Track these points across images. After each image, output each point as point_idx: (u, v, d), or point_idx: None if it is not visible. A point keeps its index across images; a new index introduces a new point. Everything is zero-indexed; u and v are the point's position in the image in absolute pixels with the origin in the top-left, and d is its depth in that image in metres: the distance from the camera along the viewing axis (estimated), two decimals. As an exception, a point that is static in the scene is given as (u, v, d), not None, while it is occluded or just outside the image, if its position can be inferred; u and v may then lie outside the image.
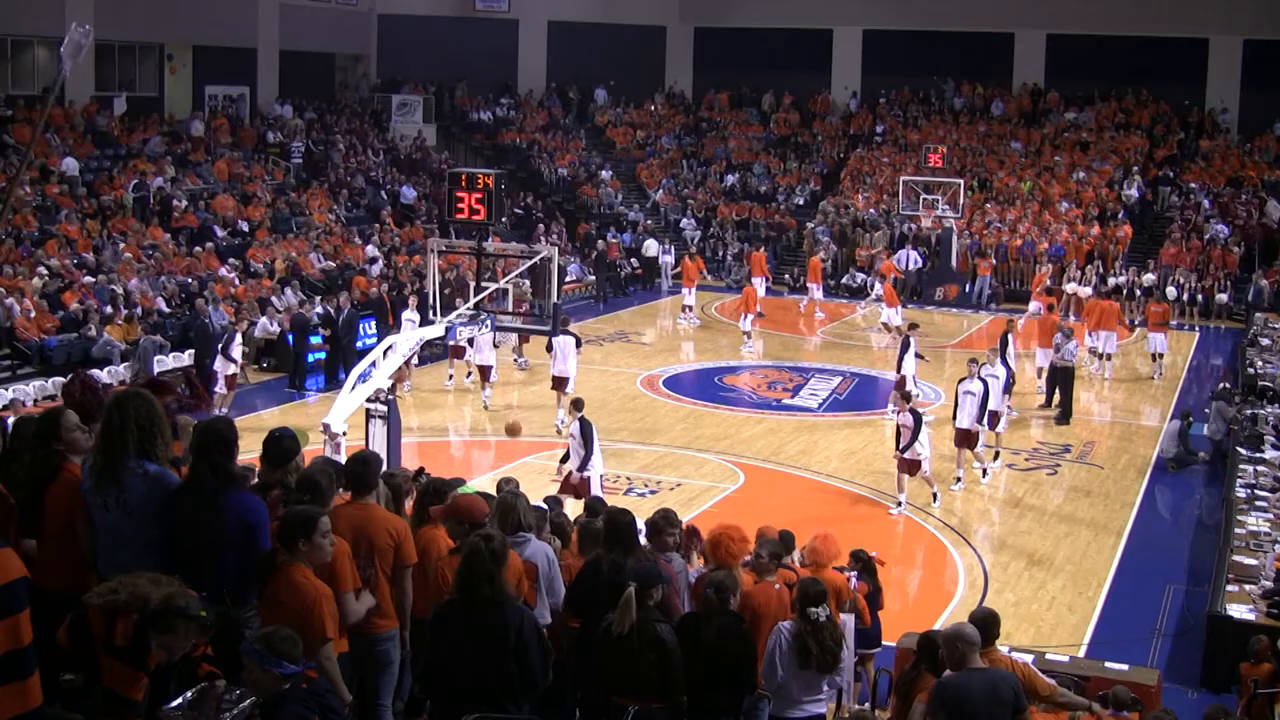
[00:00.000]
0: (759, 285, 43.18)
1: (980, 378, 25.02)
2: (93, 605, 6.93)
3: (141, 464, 7.97)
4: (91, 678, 7.08)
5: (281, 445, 9.49)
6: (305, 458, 10.09)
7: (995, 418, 26.31)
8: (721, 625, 9.64)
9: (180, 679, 6.97)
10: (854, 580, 14.71)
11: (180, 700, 6.86)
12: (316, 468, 9.49)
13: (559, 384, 28.63)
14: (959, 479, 25.03)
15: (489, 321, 22.43)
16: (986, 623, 10.45)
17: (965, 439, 25.13)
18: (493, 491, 13.33)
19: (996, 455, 26.64)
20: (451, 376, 31.95)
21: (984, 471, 25.60)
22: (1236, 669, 15.25)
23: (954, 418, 25.41)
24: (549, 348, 28.78)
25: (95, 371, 27.29)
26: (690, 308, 41.57)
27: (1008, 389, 27.00)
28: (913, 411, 23.25)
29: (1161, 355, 35.41)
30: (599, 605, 9.52)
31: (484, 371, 30.35)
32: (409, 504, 10.75)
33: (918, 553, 21.89)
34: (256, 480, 9.42)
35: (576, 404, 22.51)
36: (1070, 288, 43.97)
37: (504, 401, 30.62)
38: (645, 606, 9.13)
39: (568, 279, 43.42)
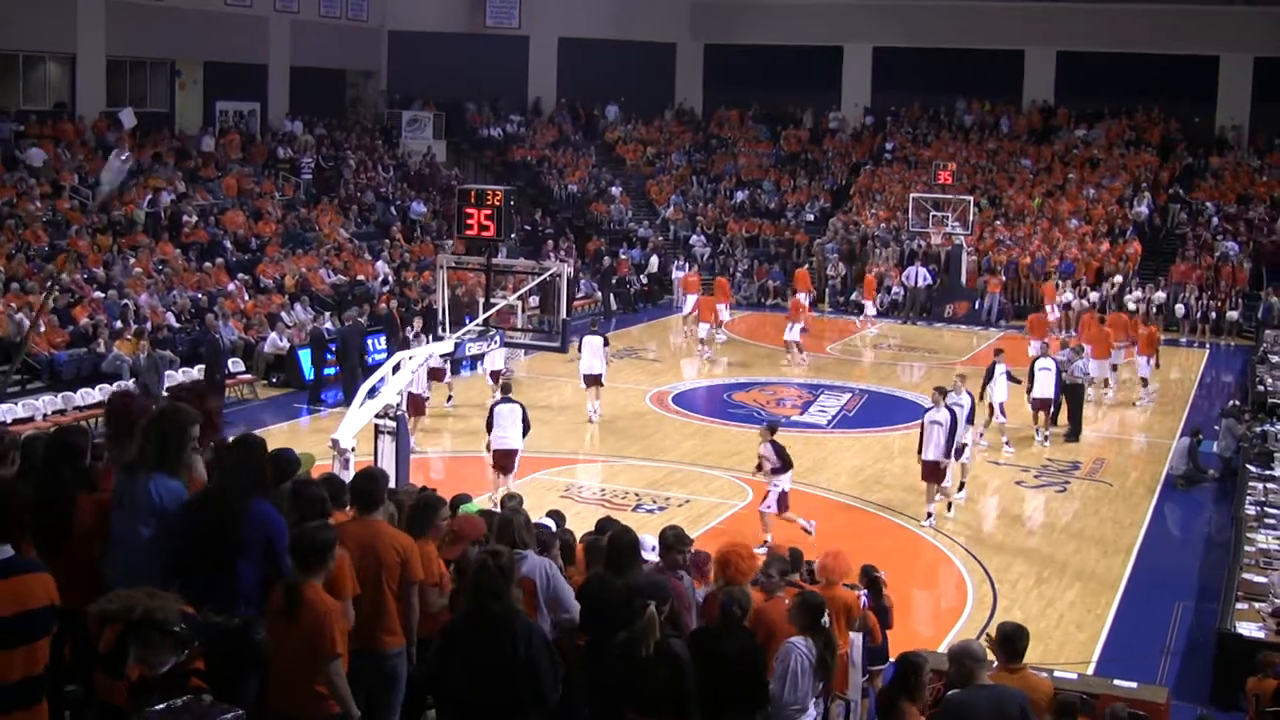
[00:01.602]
0: (804, 299, 43.50)
1: (947, 406, 23.46)
2: (91, 613, 6.96)
3: (157, 476, 7.99)
4: (90, 686, 7.12)
5: (279, 464, 9.48)
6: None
7: (960, 448, 24.43)
8: (742, 642, 9.69)
9: (167, 692, 6.99)
10: (864, 598, 14.73)
11: (164, 706, 6.88)
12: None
13: (592, 381, 30.48)
14: (930, 515, 23.69)
15: (498, 337, 22.45)
16: (1014, 637, 10.30)
17: (932, 472, 23.48)
18: (496, 508, 13.36)
19: (961, 486, 25.12)
20: (451, 398, 31.86)
21: (949, 505, 24.05)
22: (1243, 684, 15.21)
23: (919, 450, 23.63)
24: (578, 347, 29.21)
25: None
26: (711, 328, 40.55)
27: (970, 418, 25.26)
28: (775, 444, 21.91)
29: (1145, 381, 34.34)
30: (600, 621, 9.56)
31: (496, 376, 30.47)
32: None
33: (926, 569, 21.84)
34: None
35: (504, 386, 24.24)
36: (1076, 302, 44.06)
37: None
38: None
39: (578, 295, 43.43)
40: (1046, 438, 29.61)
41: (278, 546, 8.17)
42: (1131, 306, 42.92)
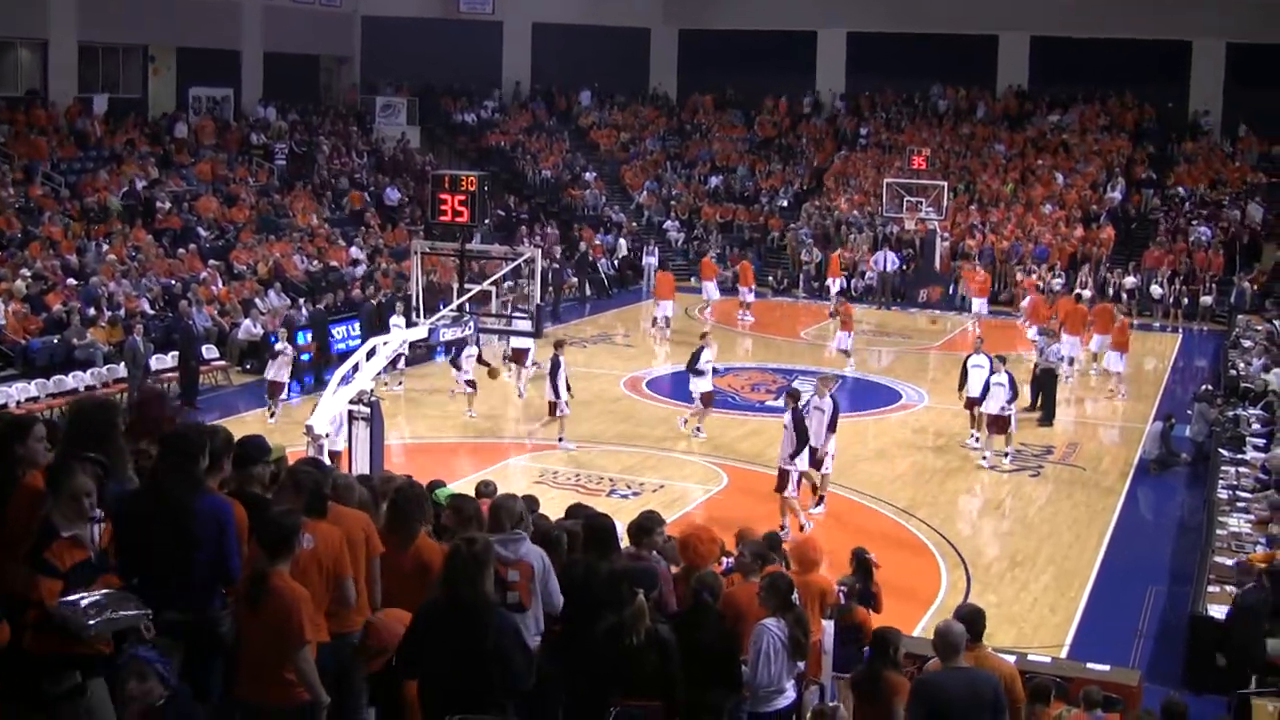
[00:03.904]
0: (833, 285, 43.70)
1: (796, 409, 22.26)
2: None
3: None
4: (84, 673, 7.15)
5: (250, 449, 9.44)
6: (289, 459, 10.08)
7: (820, 459, 23.14)
8: (716, 628, 9.73)
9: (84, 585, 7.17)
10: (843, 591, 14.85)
11: (80, 596, 7.06)
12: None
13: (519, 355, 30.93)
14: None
15: (472, 323, 22.40)
16: (972, 619, 10.46)
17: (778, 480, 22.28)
18: (471, 494, 13.33)
19: (820, 500, 23.61)
20: (401, 382, 31.81)
21: (801, 527, 21.87)
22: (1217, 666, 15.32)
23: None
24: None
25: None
26: (662, 319, 40.63)
27: (833, 425, 23.39)
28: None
29: (1119, 374, 33.38)
30: (583, 605, 9.56)
31: (518, 355, 30.57)
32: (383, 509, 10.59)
33: (899, 554, 21.82)
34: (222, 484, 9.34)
35: None
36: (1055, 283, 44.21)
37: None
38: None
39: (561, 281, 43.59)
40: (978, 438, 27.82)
41: (229, 534, 8.13)
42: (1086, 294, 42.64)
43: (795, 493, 22.11)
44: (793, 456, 21.84)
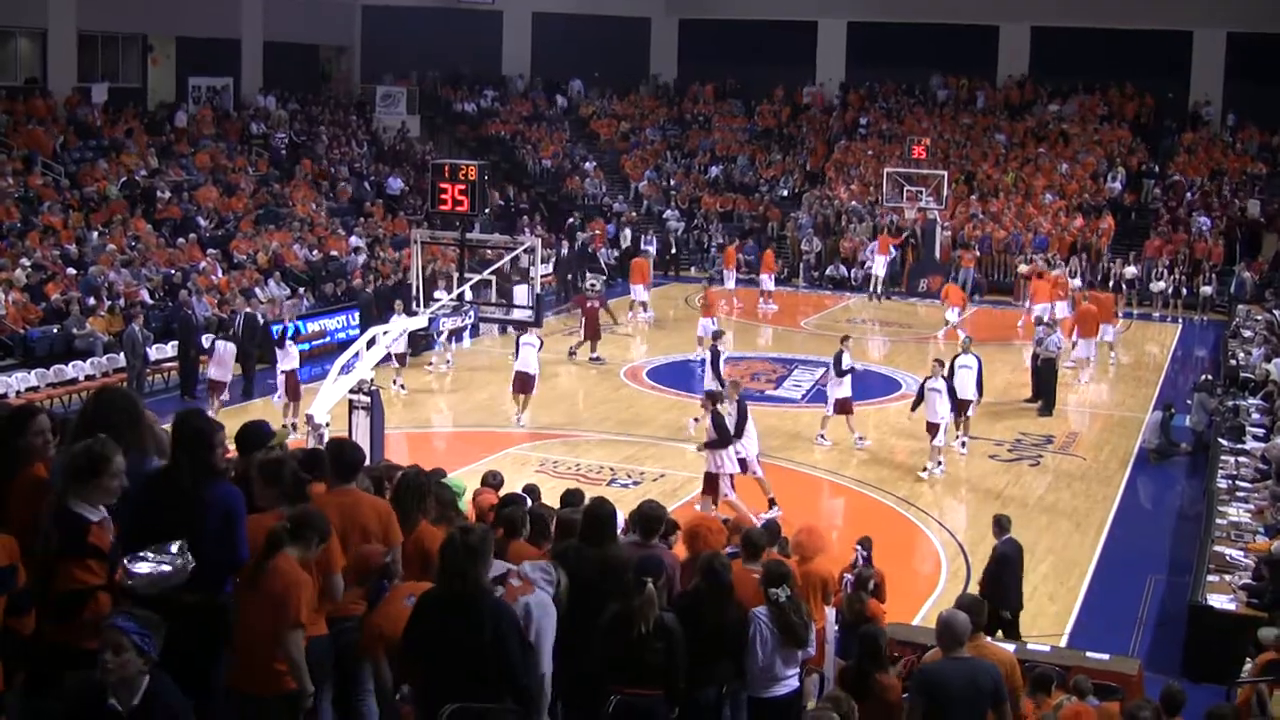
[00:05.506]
0: (881, 264, 45.18)
1: (740, 400, 22.04)
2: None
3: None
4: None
5: (254, 435, 9.45)
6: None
7: (741, 462, 22.02)
8: (718, 603, 9.73)
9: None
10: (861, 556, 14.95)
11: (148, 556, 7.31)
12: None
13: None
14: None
15: (471, 312, 22.42)
16: (972, 609, 10.47)
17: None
18: (476, 482, 13.33)
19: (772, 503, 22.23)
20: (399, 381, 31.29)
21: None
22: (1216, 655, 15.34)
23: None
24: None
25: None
26: (643, 304, 41.06)
27: (740, 430, 21.97)
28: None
29: (1087, 359, 33.78)
30: (578, 594, 9.52)
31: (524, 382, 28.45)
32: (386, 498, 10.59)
33: (900, 543, 21.85)
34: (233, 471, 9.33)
35: None
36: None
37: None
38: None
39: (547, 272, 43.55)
40: (964, 443, 27.13)
41: (238, 524, 8.14)
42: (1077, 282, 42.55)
43: (731, 493, 21.61)
44: (707, 446, 21.63)
